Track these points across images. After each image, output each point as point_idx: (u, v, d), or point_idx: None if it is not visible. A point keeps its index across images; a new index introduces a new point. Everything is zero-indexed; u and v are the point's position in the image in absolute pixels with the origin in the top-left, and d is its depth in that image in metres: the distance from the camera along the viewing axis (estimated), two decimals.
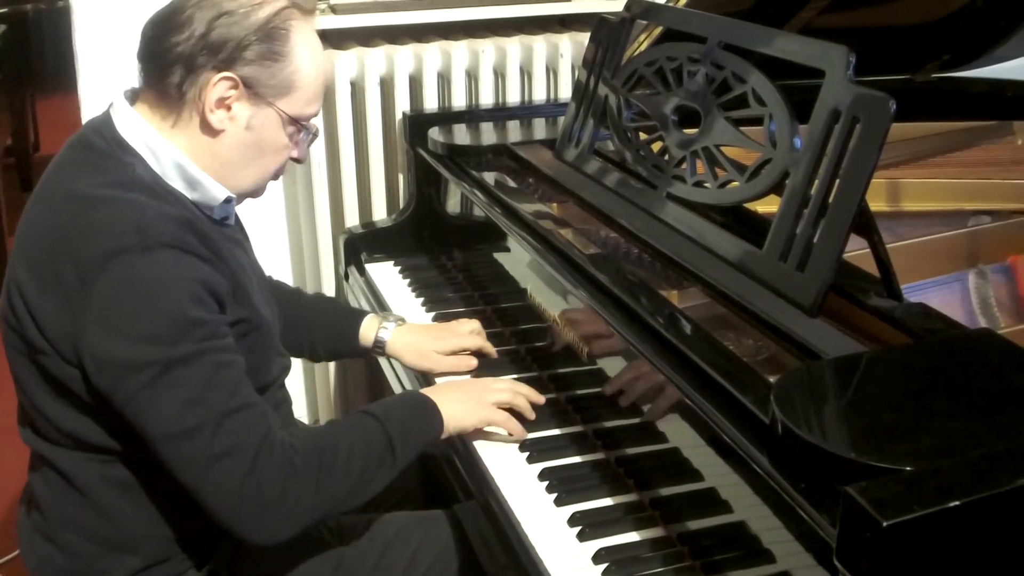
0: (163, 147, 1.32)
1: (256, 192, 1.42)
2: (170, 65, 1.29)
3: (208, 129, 1.31)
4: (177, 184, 1.33)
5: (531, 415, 1.50)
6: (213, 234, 1.32)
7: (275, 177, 1.43)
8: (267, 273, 1.79)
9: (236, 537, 1.26)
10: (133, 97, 1.36)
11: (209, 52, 1.27)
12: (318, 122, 2.30)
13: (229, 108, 1.30)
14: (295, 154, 1.40)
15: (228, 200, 1.38)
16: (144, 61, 1.33)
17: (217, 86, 1.28)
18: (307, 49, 1.33)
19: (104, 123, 1.34)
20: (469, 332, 1.71)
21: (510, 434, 1.48)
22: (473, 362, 1.68)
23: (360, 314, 1.75)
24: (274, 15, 1.30)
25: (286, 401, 1.55)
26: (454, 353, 1.69)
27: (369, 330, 1.72)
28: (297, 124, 1.36)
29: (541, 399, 1.53)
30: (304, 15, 1.34)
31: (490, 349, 1.71)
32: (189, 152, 1.32)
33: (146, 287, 1.21)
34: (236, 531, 1.24)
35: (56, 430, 1.32)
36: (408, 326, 1.75)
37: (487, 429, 1.49)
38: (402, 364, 1.72)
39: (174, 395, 1.21)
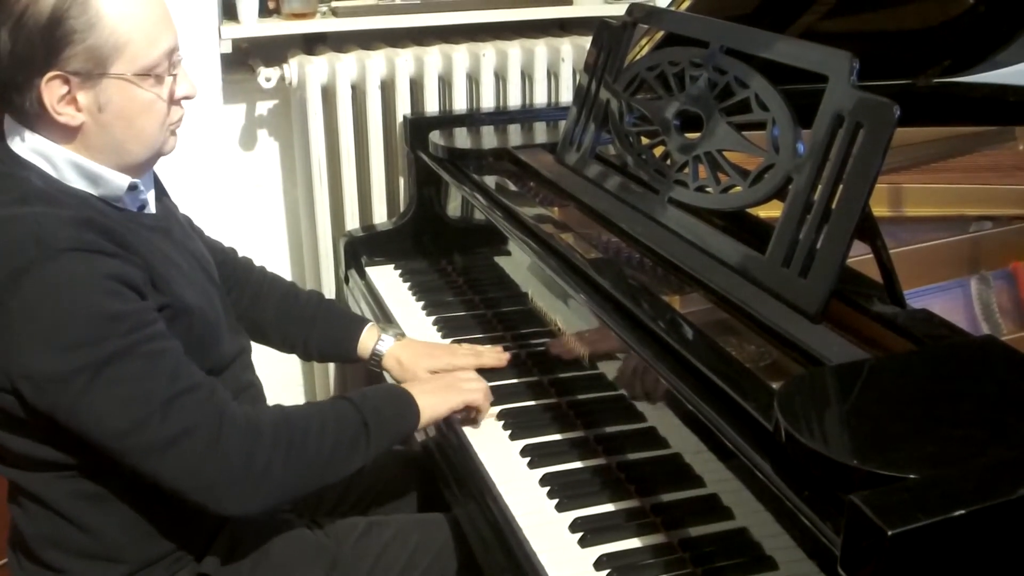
0: (55, 150, 1.28)
1: (162, 151, 1.36)
2: (6, 91, 1.25)
3: (67, 130, 1.27)
4: (79, 184, 1.29)
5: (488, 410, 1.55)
6: (121, 227, 1.28)
7: (175, 127, 1.36)
8: (296, 277, 1.77)
9: (210, 512, 1.26)
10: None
11: (25, 63, 1.22)
12: (318, 126, 2.35)
13: (74, 101, 1.26)
14: (177, 94, 1.33)
15: (133, 187, 1.34)
16: None
17: (48, 89, 1.23)
18: (112, 2, 1.24)
19: None
20: (468, 353, 1.68)
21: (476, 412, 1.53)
22: None
23: (360, 322, 1.72)
24: None
25: (253, 386, 1.53)
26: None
27: (368, 341, 1.69)
28: (150, 73, 1.28)
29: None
30: None
31: (488, 362, 1.67)
32: (78, 154, 1.29)
33: (59, 296, 1.19)
34: (209, 507, 1.25)
35: (16, 456, 1.31)
36: (406, 341, 1.72)
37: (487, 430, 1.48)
38: (391, 377, 1.69)
39: (113, 393, 1.20)
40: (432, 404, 1.47)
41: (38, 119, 1.28)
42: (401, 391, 1.47)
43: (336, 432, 1.33)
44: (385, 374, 1.73)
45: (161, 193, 1.47)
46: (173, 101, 1.34)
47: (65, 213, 1.24)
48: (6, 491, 1.39)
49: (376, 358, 1.69)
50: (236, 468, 1.24)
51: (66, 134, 1.28)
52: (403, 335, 1.74)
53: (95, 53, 1.24)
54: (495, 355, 1.68)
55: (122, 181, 1.32)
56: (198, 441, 1.22)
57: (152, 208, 1.40)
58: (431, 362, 1.66)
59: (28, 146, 1.29)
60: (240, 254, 1.76)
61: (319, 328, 1.71)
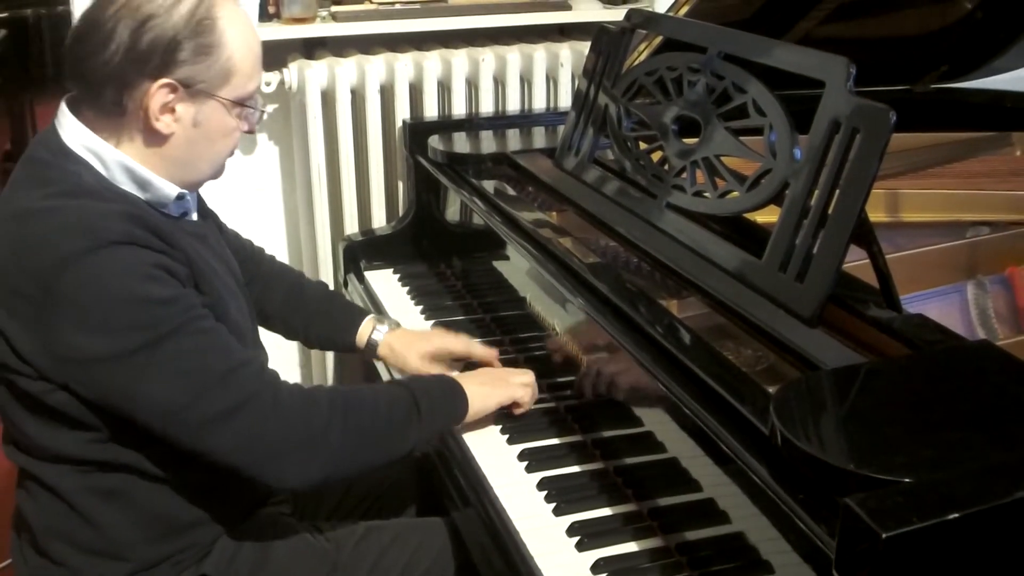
0: (107, 151, 1.30)
1: (214, 176, 1.41)
2: (102, 83, 1.26)
3: (156, 136, 1.30)
4: (127, 187, 1.31)
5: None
6: (167, 229, 1.30)
7: (230, 155, 1.41)
8: (270, 255, 1.79)
9: (271, 486, 1.30)
10: (75, 103, 1.33)
11: (140, 63, 1.25)
12: (317, 130, 2.36)
13: (173, 111, 1.29)
14: (245, 128, 1.38)
15: (180, 196, 1.36)
16: (74, 81, 1.30)
17: (157, 94, 1.26)
18: (236, 31, 1.30)
19: (50, 133, 1.33)
20: (463, 341, 1.69)
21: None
22: (454, 369, 1.66)
23: (360, 314, 1.75)
24: (196, 7, 1.27)
25: None
26: (438, 357, 1.67)
27: (364, 331, 1.72)
28: (242, 105, 1.34)
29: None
30: None
31: (478, 352, 1.68)
32: (140, 159, 1.31)
33: (108, 283, 1.20)
34: (267, 478, 1.27)
35: (35, 445, 1.32)
36: (401, 330, 1.74)
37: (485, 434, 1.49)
38: (387, 364, 1.72)
39: (173, 368, 1.22)
40: (482, 395, 1.49)
41: (125, 119, 1.29)
42: (451, 380, 1.49)
43: (389, 408, 1.36)
44: (378, 364, 1.76)
45: (200, 202, 1.50)
46: (242, 131, 1.39)
47: (114, 207, 1.25)
48: (10, 488, 1.40)
49: (372, 347, 1.71)
50: (297, 434, 1.26)
51: (151, 140, 1.31)
52: (398, 325, 1.76)
53: (209, 73, 1.28)
54: (486, 350, 1.69)
55: (171, 190, 1.34)
56: (259, 409, 1.24)
57: (193, 217, 1.43)
58: (423, 344, 1.68)
59: (81, 142, 1.30)
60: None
61: (321, 318, 1.74)
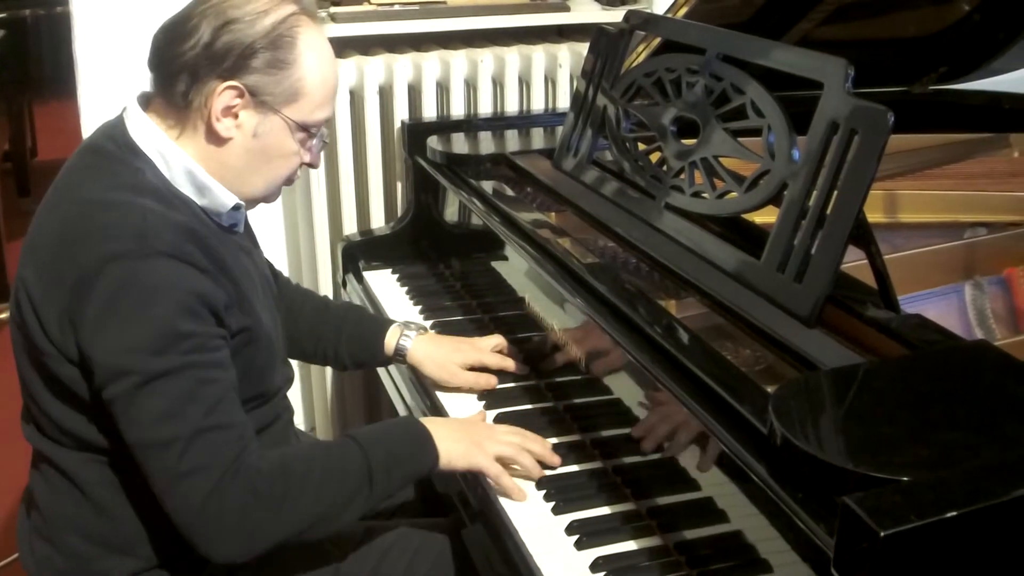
0: (174, 152, 1.33)
1: (268, 198, 1.43)
2: (176, 73, 1.30)
3: (215, 137, 1.32)
4: (186, 190, 1.33)
5: (536, 474, 1.41)
6: (218, 242, 1.32)
7: (288, 183, 1.43)
8: (294, 281, 1.80)
9: (199, 553, 1.26)
10: (146, 102, 1.37)
11: (214, 61, 1.28)
12: None
13: (236, 116, 1.31)
14: (307, 159, 1.40)
15: (237, 207, 1.38)
16: (153, 69, 1.34)
17: (223, 95, 1.29)
18: (314, 55, 1.33)
19: (117, 127, 1.35)
20: (491, 348, 1.70)
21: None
22: (492, 381, 1.66)
23: (385, 323, 1.75)
24: (280, 22, 1.30)
25: (287, 410, 1.56)
26: (474, 369, 1.67)
27: (391, 338, 1.71)
28: (306, 130, 1.36)
29: (556, 460, 1.43)
30: (311, 20, 1.34)
31: (511, 366, 1.68)
32: (198, 159, 1.33)
33: (139, 295, 1.22)
34: (196, 547, 1.25)
35: (58, 429, 1.33)
36: (429, 336, 1.74)
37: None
38: (422, 373, 1.70)
39: (153, 404, 1.21)
40: (451, 452, 1.39)
41: (189, 114, 1.31)
42: (421, 432, 1.39)
43: (336, 485, 1.30)
44: (392, 373, 1.76)
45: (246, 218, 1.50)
46: (303, 161, 1.40)
47: (174, 217, 1.27)
48: (12, 487, 1.40)
49: (401, 354, 1.70)
50: (227, 523, 1.23)
51: (210, 139, 1.32)
52: (425, 329, 1.76)
53: (278, 88, 1.31)
54: (511, 364, 1.68)
55: (228, 199, 1.36)
56: (204, 484, 1.22)
57: (240, 228, 1.44)
58: (460, 356, 1.67)
59: (148, 139, 1.32)
60: None
61: (347, 334, 1.73)
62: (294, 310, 1.73)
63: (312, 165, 1.42)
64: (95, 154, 1.34)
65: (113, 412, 1.24)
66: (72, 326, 1.24)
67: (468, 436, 1.42)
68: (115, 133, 1.34)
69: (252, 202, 1.43)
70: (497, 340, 1.71)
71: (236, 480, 1.23)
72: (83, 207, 1.27)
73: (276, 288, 1.59)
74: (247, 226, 1.51)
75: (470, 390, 1.65)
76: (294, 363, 2.63)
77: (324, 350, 1.74)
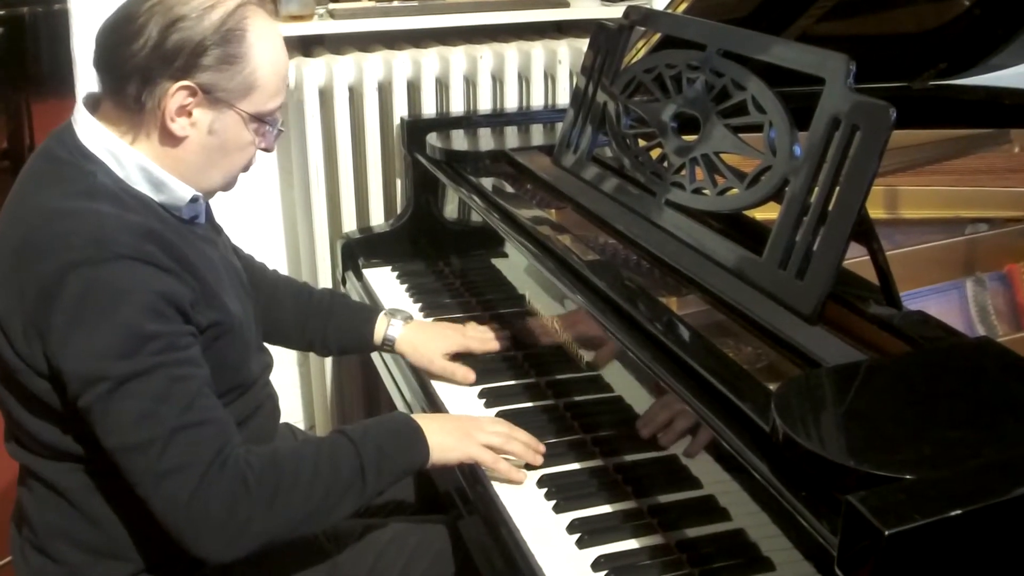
0: (126, 151, 1.30)
1: (226, 187, 1.41)
2: (126, 76, 1.27)
3: (170, 137, 1.30)
4: (142, 187, 1.31)
5: (534, 460, 1.43)
6: (179, 238, 1.30)
7: (244, 170, 1.41)
8: (273, 268, 1.79)
9: (189, 554, 1.24)
10: (94, 102, 1.34)
11: (165, 62, 1.25)
12: (315, 128, 2.35)
13: (190, 115, 1.29)
14: (262, 145, 1.38)
15: (195, 199, 1.36)
16: (100, 70, 1.31)
17: (176, 95, 1.27)
18: (265, 46, 1.31)
19: (66, 131, 1.33)
20: (478, 336, 1.72)
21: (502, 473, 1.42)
22: (470, 376, 1.67)
23: (373, 311, 1.76)
24: (228, 16, 1.27)
25: (271, 398, 1.54)
26: (457, 356, 1.69)
27: (379, 327, 1.73)
28: (260, 121, 1.34)
29: (541, 447, 1.45)
30: (259, 10, 1.31)
31: (494, 347, 1.72)
32: (153, 158, 1.31)
33: (103, 300, 1.20)
34: (186, 547, 1.23)
35: (37, 442, 1.32)
36: (416, 323, 1.76)
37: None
38: (405, 361, 1.73)
39: (127, 408, 1.20)
40: (443, 445, 1.39)
41: (143, 116, 1.29)
42: (412, 427, 1.39)
43: (328, 480, 1.28)
44: (382, 361, 1.77)
45: (208, 208, 1.49)
46: (259, 148, 1.38)
47: (130, 218, 1.25)
48: (10, 487, 1.40)
49: (389, 343, 1.72)
50: (215, 519, 1.22)
51: (165, 140, 1.30)
52: (411, 318, 1.77)
53: (231, 83, 1.29)
54: (495, 345, 1.73)
55: (185, 192, 1.34)
56: (187, 483, 1.20)
57: (202, 220, 1.43)
58: (444, 343, 1.70)
59: (98, 141, 1.31)
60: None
61: (335, 321, 1.73)
62: (276, 298, 1.73)
63: (267, 150, 1.40)
64: (47, 161, 1.32)
65: (90, 421, 1.22)
66: (39, 339, 1.23)
67: (457, 428, 1.43)
68: (65, 137, 1.32)
69: (210, 193, 1.41)
70: (484, 330, 1.74)
71: (223, 474, 1.22)
72: (37, 218, 1.25)
73: (246, 274, 1.57)
74: (209, 214, 1.49)
75: (451, 378, 1.67)
76: (291, 355, 2.66)
77: (310, 339, 1.74)
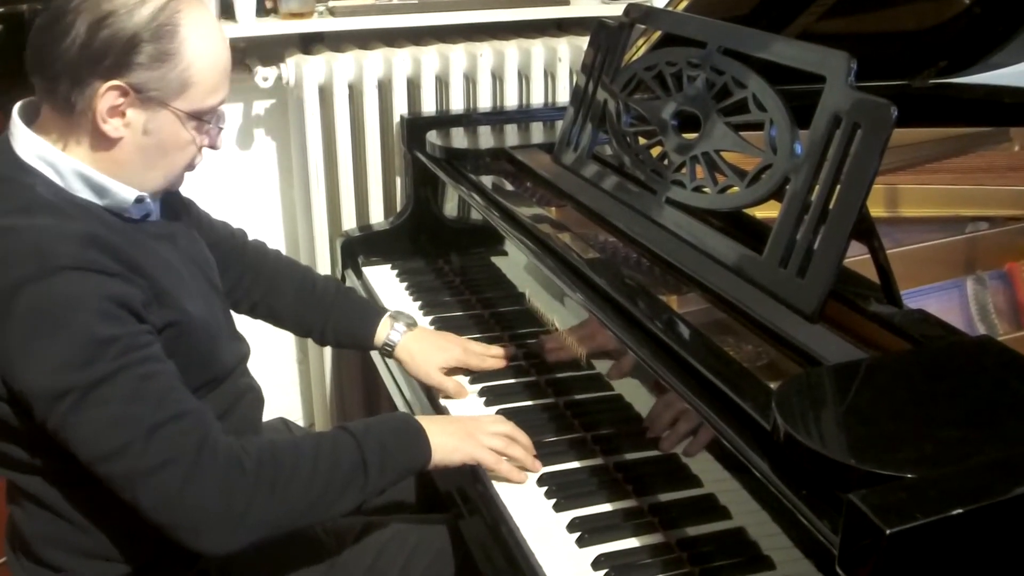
0: (62, 160, 1.27)
1: (171, 187, 1.37)
2: (56, 76, 1.23)
3: (104, 139, 1.26)
4: (84, 194, 1.28)
5: (534, 466, 1.43)
6: (126, 240, 1.27)
7: (190, 169, 1.37)
8: (275, 248, 1.77)
9: (191, 551, 1.22)
10: (33, 109, 1.31)
11: (93, 61, 1.21)
12: (315, 126, 2.35)
13: (123, 115, 1.24)
14: (205, 143, 1.34)
15: (140, 199, 1.32)
16: (31, 73, 1.27)
17: (106, 96, 1.22)
18: (199, 41, 1.25)
19: (3, 145, 1.29)
20: (479, 353, 1.69)
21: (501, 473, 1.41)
22: (463, 393, 1.64)
23: (377, 312, 1.73)
24: (159, 10, 1.22)
25: (252, 389, 1.51)
26: (454, 371, 1.67)
27: (381, 330, 1.70)
28: (199, 119, 1.30)
29: (537, 464, 1.44)
30: (193, 2, 1.26)
31: (493, 366, 1.69)
32: (90, 162, 1.28)
33: (54, 314, 1.17)
34: (184, 542, 1.21)
35: (15, 460, 1.30)
36: (418, 331, 1.72)
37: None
38: (403, 367, 1.71)
39: (98, 416, 1.17)
40: (445, 446, 1.38)
41: (75, 117, 1.25)
42: (414, 427, 1.38)
43: (329, 472, 1.26)
44: (393, 363, 1.75)
45: (168, 195, 1.44)
46: (203, 146, 1.34)
47: (70, 228, 1.22)
48: (5, 489, 1.39)
49: (388, 347, 1.70)
50: (215, 506, 1.19)
51: (99, 142, 1.27)
52: (415, 324, 1.74)
53: (163, 82, 1.24)
54: (498, 361, 1.70)
55: (128, 195, 1.30)
56: (177, 475, 1.18)
57: (157, 216, 1.39)
58: (442, 356, 1.67)
59: (34, 152, 1.27)
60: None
61: (336, 316, 1.71)
62: (276, 286, 1.71)
63: (213, 147, 1.36)
64: None
65: (63, 439, 1.19)
66: None
67: (460, 429, 1.42)
68: (3, 151, 1.29)
69: (158, 193, 1.37)
70: (492, 349, 1.71)
71: (216, 459, 1.20)
72: None
73: (240, 254, 1.53)
74: (171, 206, 1.45)
75: (443, 393, 1.65)
76: (290, 353, 2.66)
77: (308, 328, 1.73)
